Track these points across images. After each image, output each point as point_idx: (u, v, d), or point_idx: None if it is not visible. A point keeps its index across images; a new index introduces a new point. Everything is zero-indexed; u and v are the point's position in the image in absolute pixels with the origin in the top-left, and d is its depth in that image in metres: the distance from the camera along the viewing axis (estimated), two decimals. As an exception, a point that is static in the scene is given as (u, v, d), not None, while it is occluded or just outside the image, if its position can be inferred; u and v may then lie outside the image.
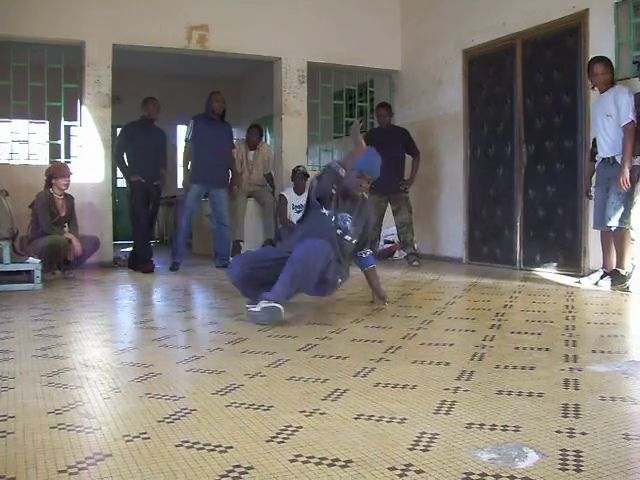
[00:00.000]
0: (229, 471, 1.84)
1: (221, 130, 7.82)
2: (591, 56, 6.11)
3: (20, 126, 8.47)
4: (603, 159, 5.76)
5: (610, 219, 5.60)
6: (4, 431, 2.16)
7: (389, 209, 8.26)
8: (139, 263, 7.58)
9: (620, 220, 5.55)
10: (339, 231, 4.59)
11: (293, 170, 8.59)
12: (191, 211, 7.79)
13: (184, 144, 7.92)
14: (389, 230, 8.81)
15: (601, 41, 6.33)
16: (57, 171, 7.00)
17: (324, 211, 4.66)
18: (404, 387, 2.66)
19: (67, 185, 7.01)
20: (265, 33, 8.82)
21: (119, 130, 7.90)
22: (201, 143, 7.64)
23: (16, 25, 7.47)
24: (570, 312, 4.51)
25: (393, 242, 9.00)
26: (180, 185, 9.21)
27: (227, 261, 7.81)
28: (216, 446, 2.01)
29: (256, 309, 4.10)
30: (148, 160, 7.63)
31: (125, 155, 7.69)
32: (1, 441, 2.07)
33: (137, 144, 7.58)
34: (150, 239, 7.95)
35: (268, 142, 11.27)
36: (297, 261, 4.17)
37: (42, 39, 7.72)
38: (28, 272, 6.25)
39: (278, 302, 4.05)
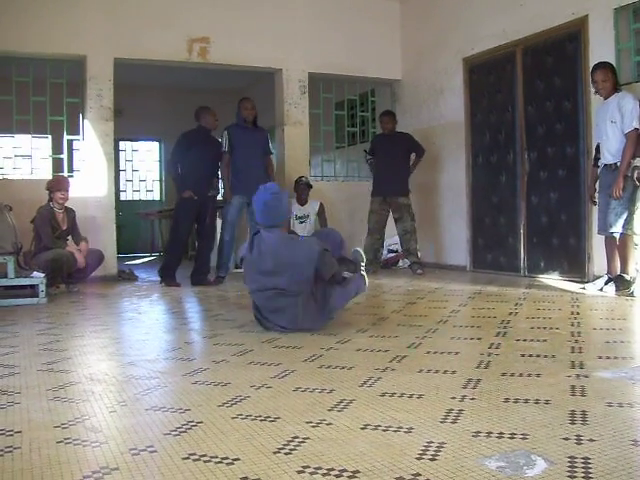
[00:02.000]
0: (236, 483, 1.84)
1: (256, 137, 7.62)
2: (591, 62, 6.14)
3: (23, 141, 8.51)
4: (605, 165, 5.76)
5: (612, 225, 5.60)
6: (10, 446, 2.15)
7: (391, 217, 8.27)
8: (169, 276, 7.38)
9: (623, 226, 5.55)
10: None
11: (296, 181, 8.60)
12: (233, 224, 7.59)
13: (223, 156, 7.57)
14: (393, 239, 8.81)
15: (601, 47, 6.34)
16: (54, 185, 7.01)
17: None
18: (410, 396, 2.65)
19: (64, 199, 7.00)
20: (266, 44, 8.85)
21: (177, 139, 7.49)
22: (237, 152, 7.50)
23: (18, 40, 7.51)
24: (575, 318, 4.50)
25: (397, 251, 9.00)
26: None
27: None
28: (223, 458, 2.01)
29: None
30: (203, 173, 7.39)
31: (179, 166, 7.44)
32: (8, 456, 2.07)
33: (194, 156, 7.31)
34: (205, 254, 7.58)
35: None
36: None
37: (44, 54, 7.77)
38: (33, 286, 6.26)
39: None
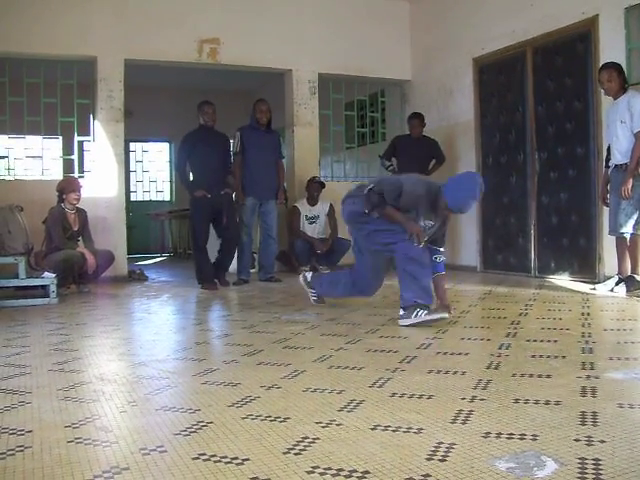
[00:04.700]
0: (246, 483, 1.84)
1: (267, 139, 7.60)
2: (602, 62, 6.10)
3: (34, 142, 8.56)
4: (616, 165, 5.74)
5: (623, 226, 5.58)
6: (22, 446, 2.16)
7: None
8: (205, 280, 7.18)
9: (634, 226, 5.53)
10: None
11: (309, 180, 8.63)
12: (250, 225, 7.55)
13: (233, 157, 7.55)
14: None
15: (612, 47, 6.32)
16: (67, 186, 7.03)
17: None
18: (420, 397, 2.65)
19: (78, 199, 7.03)
20: (276, 45, 8.86)
21: (180, 141, 7.45)
22: (248, 154, 7.48)
23: (29, 42, 7.56)
24: (586, 319, 4.48)
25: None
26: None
27: (272, 274, 7.76)
28: (233, 458, 2.01)
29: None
30: (213, 171, 7.20)
31: (188, 167, 7.32)
32: (19, 456, 2.08)
33: (200, 154, 7.19)
34: (226, 254, 7.41)
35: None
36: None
37: (54, 55, 7.80)
38: (44, 287, 6.29)
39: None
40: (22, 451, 2.11)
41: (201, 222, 7.22)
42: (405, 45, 9.73)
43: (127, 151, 13.16)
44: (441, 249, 4.85)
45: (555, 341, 3.72)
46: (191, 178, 7.39)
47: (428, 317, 4.34)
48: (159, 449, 2.11)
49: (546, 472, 1.84)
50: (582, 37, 6.76)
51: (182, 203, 13.66)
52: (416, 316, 4.35)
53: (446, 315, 4.43)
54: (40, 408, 2.62)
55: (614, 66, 5.71)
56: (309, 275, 5.48)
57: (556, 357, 3.30)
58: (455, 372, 3.05)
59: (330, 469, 1.91)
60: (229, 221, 7.30)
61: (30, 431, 2.32)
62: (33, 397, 2.79)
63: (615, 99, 5.73)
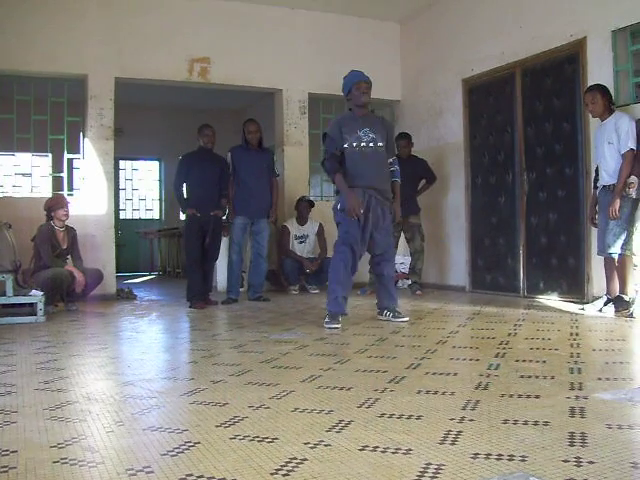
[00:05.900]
0: (233, 505, 1.82)
1: (259, 159, 7.66)
2: (590, 83, 6.16)
3: (23, 159, 8.54)
4: (604, 186, 5.78)
5: (611, 246, 5.61)
6: (6, 466, 2.14)
7: (402, 240, 8.34)
8: (194, 298, 7.20)
9: (622, 247, 5.56)
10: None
11: (298, 200, 8.64)
12: (240, 244, 7.61)
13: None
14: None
15: (599, 68, 6.38)
16: (55, 203, 7.01)
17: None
18: (409, 417, 2.64)
19: (66, 215, 7.02)
20: (266, 65, 8.91)
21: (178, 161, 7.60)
22: (239, 174, 7.56)
23: (19, 59, 7.56)
24: (574, 339, 4.49)
25: (397, 272, 8.99)
26: (182, 217, 9.10)
27: (261, 294, 7.75)
28: (220, 479, 1.99)
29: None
30: (206, 191, 7.32)
31: (185, 187, 7.46)
32: (3, 476, 2.05)
33: (195, 175, 7.33)
34: (206, 274, 7.47)
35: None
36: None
37: (45, 73, 7.81)
38: (31, 305, 6.25)
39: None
40: (6, 472, 2.09)
41: (191, 239, 7.30)
42: (395, 66, 9.79)
43: (117, 169, 13.13)
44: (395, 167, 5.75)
45: (544, 361, 3.72)
46: (186, 196, 7.47)
47: (326, 325, 5.28)
48: (146, 469, 2.08)
49: (535, 493, 1.83)
50: (570, 59, 6.82)
51: (171, 222, 13.69)
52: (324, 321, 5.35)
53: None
54: (25, 428, 2.59)
55: (598, 88, 5.77)
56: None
57: (545, 377, 3.30)
58: (444, 392, 3.05)
59: (318, 490, 1.89)
60: (211, 243, 7.37)
61: (15, 451, 2.29)
62: (18, 416, 2.76)
63: (602, 120, 5.78)
